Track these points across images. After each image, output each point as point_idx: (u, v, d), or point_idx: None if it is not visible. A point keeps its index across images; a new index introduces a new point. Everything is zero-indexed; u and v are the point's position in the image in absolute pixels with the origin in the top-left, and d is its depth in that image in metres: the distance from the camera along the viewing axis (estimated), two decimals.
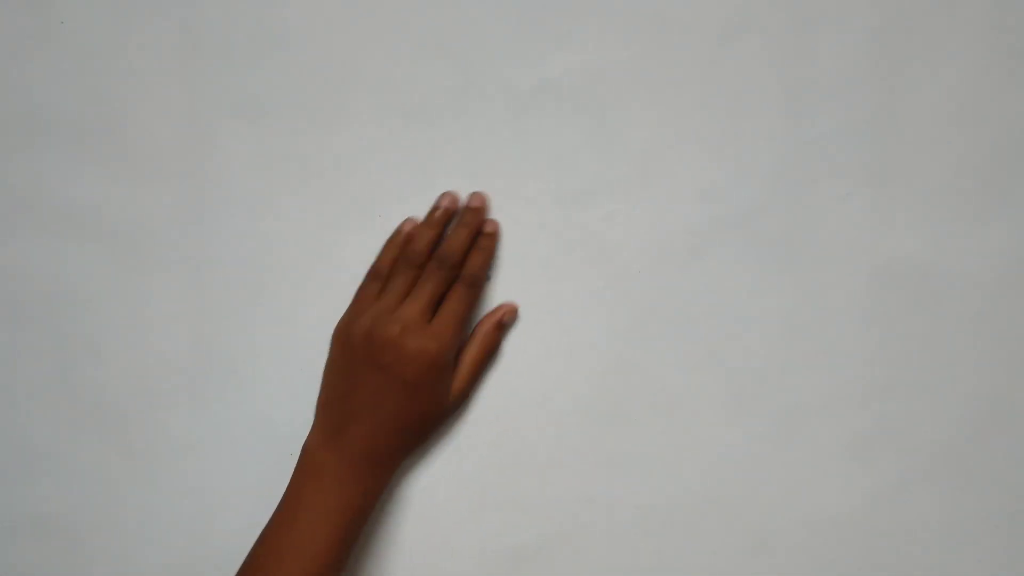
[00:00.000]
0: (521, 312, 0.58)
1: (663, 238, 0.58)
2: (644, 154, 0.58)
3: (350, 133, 0.58)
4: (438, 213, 0.57)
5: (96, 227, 0.58)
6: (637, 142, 0.58)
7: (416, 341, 0.53)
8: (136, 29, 0.57)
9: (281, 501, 0.54)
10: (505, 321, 0.57)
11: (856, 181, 0.58)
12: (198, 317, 0.58)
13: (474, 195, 0.57)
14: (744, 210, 0.58)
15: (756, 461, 0.58)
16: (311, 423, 0.58)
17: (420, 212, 0.58)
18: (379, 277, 0.57)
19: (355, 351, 0.54)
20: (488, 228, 0.57)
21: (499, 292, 0.58)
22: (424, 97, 0.58)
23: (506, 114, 0.58)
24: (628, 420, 0.58)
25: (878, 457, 0.58)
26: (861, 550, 0.58)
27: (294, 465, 0.59)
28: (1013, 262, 0.58)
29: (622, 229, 0.58)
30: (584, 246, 0.58)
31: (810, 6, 0.57)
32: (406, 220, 0.57)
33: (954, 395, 0.58)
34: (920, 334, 0.58)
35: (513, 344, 0.58)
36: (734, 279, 0.58)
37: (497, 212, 0.58)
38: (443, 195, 0.57)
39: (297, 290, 0.58)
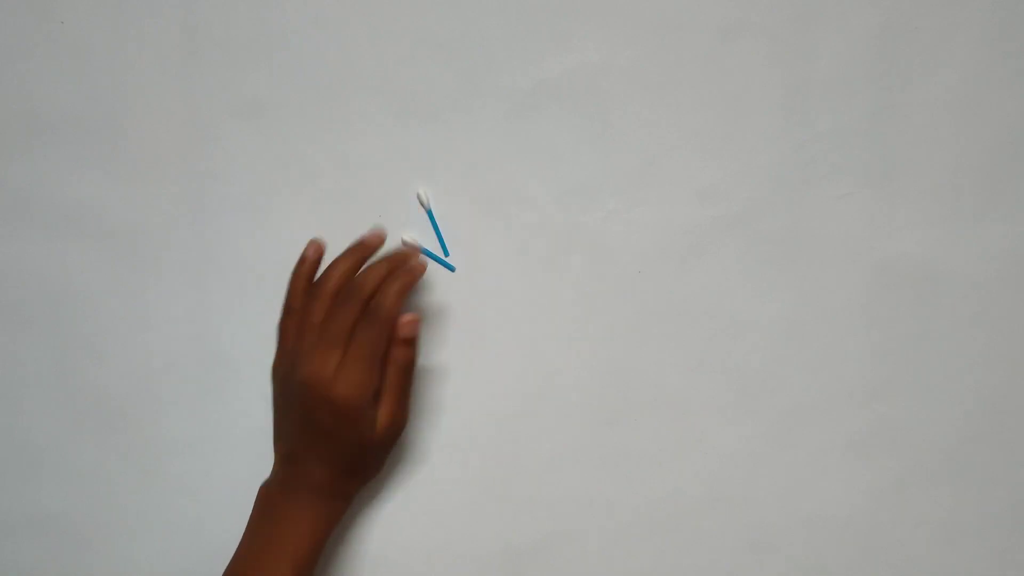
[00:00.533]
0: (521, 312, 0.58)
1: (663, 238, 0.58)
2: (644, 154, 0.58)
3: (350, 133, 0.58)
4: (358, 248, 0.55)
5: (96, 227, 0.58)
6: (637, 142, 0.58)
7: (331, 389, 0.52)
8: (136, 29, 0.57)
9: (241, 544, 0.54)
10: (406, 335, 0.54)
11: (856, 181, 0.58)
12: (198, 317, 0.58)
13: (406, 248, 0.56)
14: (744, 210, 0.58)
15: (756, 461, 0.58)
16: None
17: (421, 210, 0.58)
18: (292, 311, 0.55)
19: (288, 392, 0.54)
20: (411, 263, 0.53)
21: (499, 293, 0.58)
22: (424, 97, 0.57)
23: (506, 114, 0.58)
24: (628, 420, 0.58)
25: (878, 457, 0.58)
26: (861, 550, 0.58)
27: None
28: (1013, 262, 0.58)
29: (622, 229, 0.58)
30: (584, 246, 0.58)
31: (810, 6, 0.57)
32: (308, 244, 0.55)
33: (954, 395, 0.58)
34: (920, 334, 0.58)
35: (513, 344, 0.58)
36: (734, 279, 0.58)
37: (497, 212, 0.58)
38: (371, 231, 0.55)
39: None
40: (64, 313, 0.59)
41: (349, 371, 0.52)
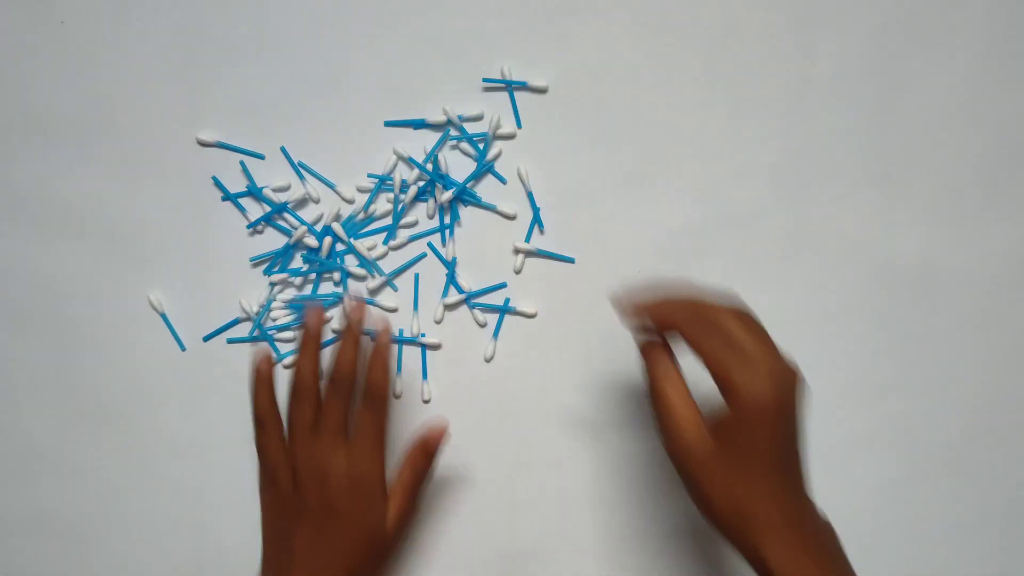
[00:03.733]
0: (520, 326, 0.58)
1: (663, 238, 0.58)
2: (644, 154, 0.58)
3: (349, 133, 0.58)
4: (311, 342, 0.53)
5: (96, 227, 0.58)
6: (637, 142, 0.58)
7: (339, 470, 0.51)
8: (136, 29, 0.57)
9: None
10: (431, 449, 0.53)
11: (856, 181, 0.58)
12: (198, 317, 0.58)
13: (353, 308, 0.53)
14: (744, 210, 0.58)
15: None
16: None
17: (422, 210, 0.58)
18: (267, 425, 0.53)
19: (284, 501, 0.52)
20: (380, 337, 0.52)
21: (500, 296, 0.58)
22: (424, 97, 0.57)
23: (505, 114, 0.58)
24: (628, 420, 0.58)
25: (878, 456, 0.58)
26: (861, 550, 0.58)
27: None
28: (1013, 262, 0.58)
29: (622, 229, 0.58)
30: (584, 246, 0.58)
31: (810, 6, 0.57)
32: (257, 356, 0.54)
33: (954, 394, 0.58)
34: (920, 334, 0.58)
35: (513, 344, 0.58)
36: (734, 279, 0.58)
37: (497, 211, 0.58)
38: (308, 315, 0.53)
39: (296, 288, 0.58)
40: (64, 313, 0.59)
41: (358, 452, 0.51)
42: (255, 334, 0.58)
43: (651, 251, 0.58)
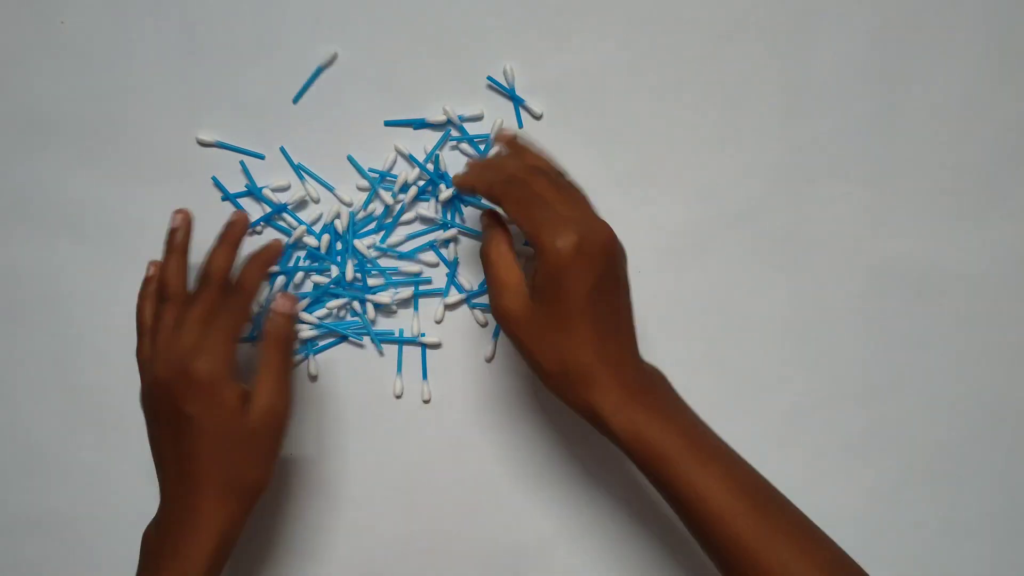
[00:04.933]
0: None
1: (663, 238, 0.58)
2: (644, 154, 0.58)
3: (349, 133, 0.58)
4: (177, 241, 0.53)
5: (96, 227, 0.58)
6: (637, 142, 0.58)
7: (186, 365, 0.48)
8: (136, 29, 0.57)
9: None
10: (282, 309, 0.51)
11: (856, 181, 0.58)
12: None
13: (236, 216, 0.53)
14: (744, 210, 0.58)
15: (756, 461, 0.58)
16: (311, 423, 0.58)
17: (423, 210, 0.58)
18: (145, 331, 0.53)
19: (154, 405, 0.50)
20: (270, 247, 0.52)
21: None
22: (424, 97, 0.57)
23: (505, 114, 0.58)
24: None
25: (878, 457, 0.58)
26: (861, 550, 0.58)
27: (293, 466, 0.59)
28: (1013, 262, 0.58)
29: (622, 229, 0.58)
30: None
31: (810, 6, 0.57)
32: (149, 265, 0.55)
33: (954, 395, 0.58)
34: (919, 334, 0.58)
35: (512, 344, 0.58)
36: (734, 278, 0.58)
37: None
38: (175, 214, 0.54)
39: (296, 288, 0.58)
40: (64, 313, 0.59)
41: (204, 345, 0.49)
42: (255, 334, 0.58)
43: (651, 251, 0.58)
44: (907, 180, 0.58)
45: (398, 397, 0.59)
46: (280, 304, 0.51)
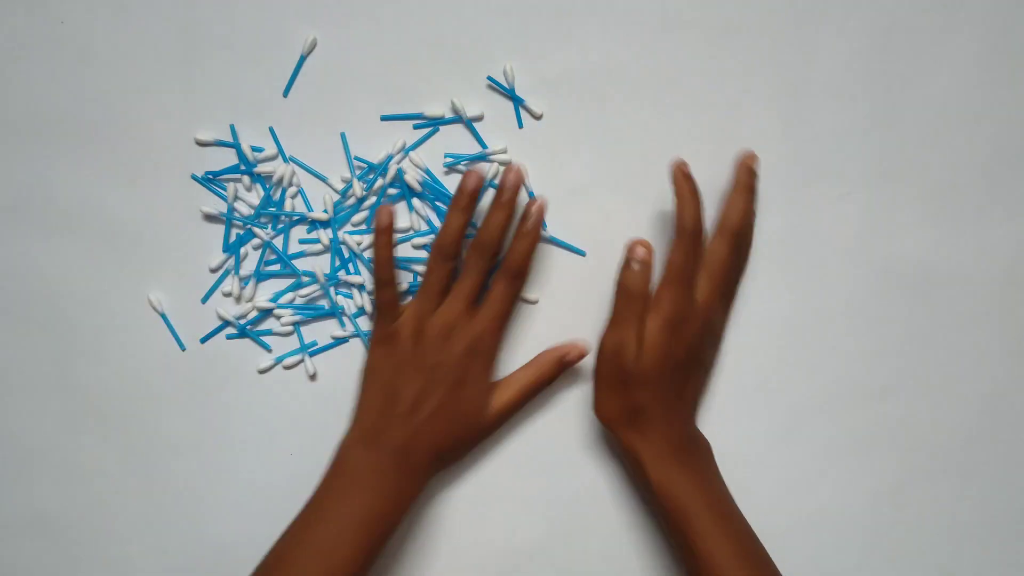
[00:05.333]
0: (520, 312, 0.58)
1: (663, 238, 0.58)
2: (644, 154, 0.58)
3: (349, 133, 0.58)
4: (465, 198, 0.52)
5: (96, 227, 0.58)
6: (637, 142, 0.58)
7: (460, 338, 0.53)
8: (135, 29, 0.57)
9: (311, 498, 0.53)
10: (567, 360, 0.55)
11: (856, 181, 0.58)
12: (198, 317, 0.58)
13: (508, 170, 0.52)
14: None
15: (756, 461, 0.58)
16: (311, 423, 0.58)
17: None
18: (387, 284, 0.54)
19: (398, 354, 0.53)
20: (531, 210, 0.53)
21: None
22: (424, 97, 0.57)
23: (505, 114, 0.58)
24: None
25: (878, 457, 0.58)
26: (861, 550, 0.58)
27: (294, 466, 0.59)
28: (1013, 262, 0.58)
29: (622, 229, 0.58)
30: (584, 245, 0.58)
31: (810, 6, 0.57)
32: (379, 211, 0.53)
33: (954, 395, 0.58)
34: (920, 334, 0.58)
35: (513, 344, 0.58)
36: None
37: None
38: (468, 174, 0.52)
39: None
40: (64, 313, 0.59)
41: (481, 325, 0.53)
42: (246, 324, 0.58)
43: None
44: (907, 180, 0.58)
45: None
46: (569, 355, 0.55)
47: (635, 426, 0.53)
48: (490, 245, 0.53)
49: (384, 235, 0.53)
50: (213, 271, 0.58)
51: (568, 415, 0.58)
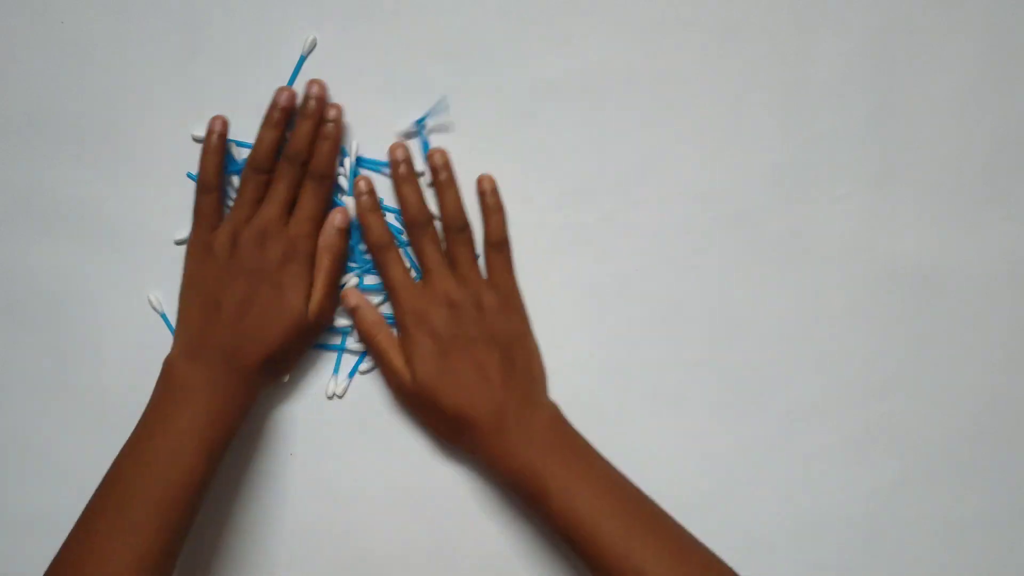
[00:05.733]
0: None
1: (663, 238, 0.58)
2: (644, 154, 0.58)
3: (349, 132, 0.58)
4: (277, 112, 0.55)
5: (96, 227, 0.58)
6: (637, 142, 0.58)
7: (276, 242, 0.54)
8: (135, 29, 0.57)
9: (143, 416, 0.52)
10: (340, 225, 0.56)
11: (856, 181, 0.58)
12: None
13: (312, 83, 0.55)
14: (744, 210, 0.58)
15: (756, 461, 0.58)
16: (308, 423, 0.58)
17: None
18: (211, 189, 0.56)
19: (216, 264, 0.54)
20: (330, 114, 0.55)
21: None
22: (424, 97, 0.57)
23: (506, 114, 0.58)
24: (627, 419, 0.58)
25: (878, 457, 0.58)
26: (861, 550, 0.59)
27: (295, 466, 0.59)
28: (1013, 262, 0.58)
29: (622, 229, 0.58)
30: (584, 246, 0.58)
31: (810, 6, 0.57)
32: (213, 119, 0.56)
33: (954, 395, 0.58)
34: (920, 334, 0.58)
35: None
36: (734, 279, 0.58)
37: None
38: (280, 91, 0.55)
39: None
40: (64, 313, 0.59)
41: (296, 230, 0.54)
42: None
43: (651, 251, 0.58)
44: (907, 180, 0.58)
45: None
46: (338, 219, 0.56)
47: (463, 433, 0.54)
48: (298, 154, 0.55)
49: (215, 139, 0.55)
50: None
51: (565, 414, 0.58)
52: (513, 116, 0.58)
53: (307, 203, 0.55)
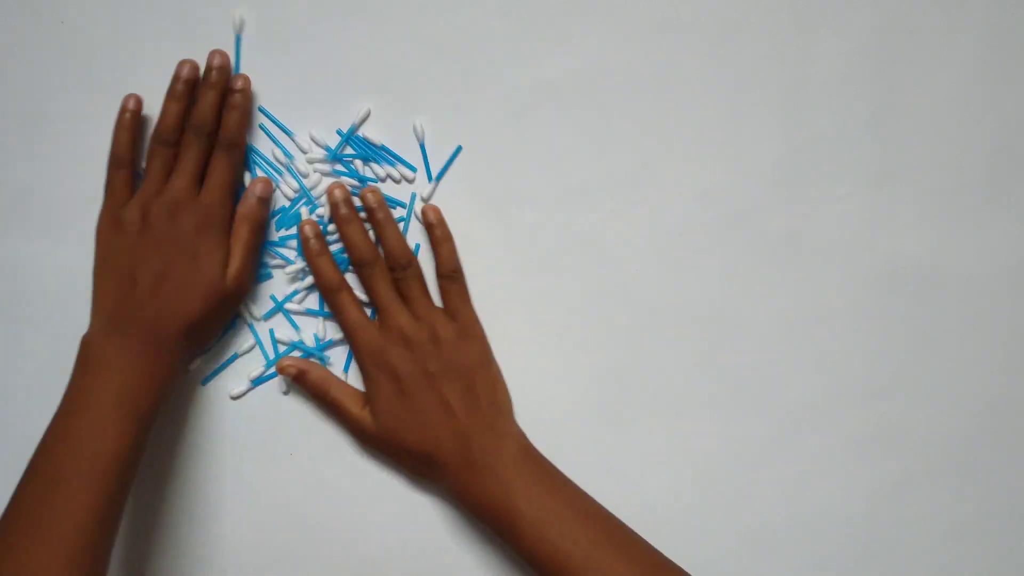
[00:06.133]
0: (520, 312, 0.58)
1: (663, 238, 0.58)
2: (644, 154, 0.58)
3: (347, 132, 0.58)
4: (180, 84, 0.55)
5: (96, 227, 0.58)
6: (637, 142, 0.58)
7: (189, 213, 0.53)
8: (135, 29, 0.57)
9: (64, 396, 0.51)
10: (263, 195, 0.56)
11: (856, 181, 0.58)
12: None
13: (213, 53, 0.55)
14: (744, 210, 0.58)
15: (756, 461, 0.58)
16: (306, 423, 0.58)
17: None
18: (123, 164, 0.55)
19: (128, 239, 0.54)
20: (237, 84, 0.55)
21: (497, 290, 0.58)
22: (424, 97, 0.57)
23: (506, 114, 0.58)
24: (627, 420, 0.58)
25: (878, 457, 0.58)
26: (861, 550, 0.59)
27: (295, 466, 0.59)
28: (1013, 262, 0.58)
29: (622, 229, 0.58)
30: (584, 246, 0.58)
31: (810, 6, 0.57)
32: (128, 97, 0.56)
33: (954, 395, 0.58)
34: (920, 334, 0.58)
35: (512, 344, 0.58)
36: (734, 279, 0.58)
37: (497, 211, 0.58)
38: (181, 63, 0.55)
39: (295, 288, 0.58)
40: (64, 313, 0.59)
41: (209, 199, 0.54)
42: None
43: (651, 251, 0.58)
44: (907, 180, 0.58)
45: None
46: (259, 188, 0.55)
47: (433, 469, 0.55)
48: (204, 124, 0.55)
49: (127, 116, 0.55)
50: None
51: (565, 414, 0.58)
52: (513, 116, 0.58)
53: (217, 172, 0.55)
